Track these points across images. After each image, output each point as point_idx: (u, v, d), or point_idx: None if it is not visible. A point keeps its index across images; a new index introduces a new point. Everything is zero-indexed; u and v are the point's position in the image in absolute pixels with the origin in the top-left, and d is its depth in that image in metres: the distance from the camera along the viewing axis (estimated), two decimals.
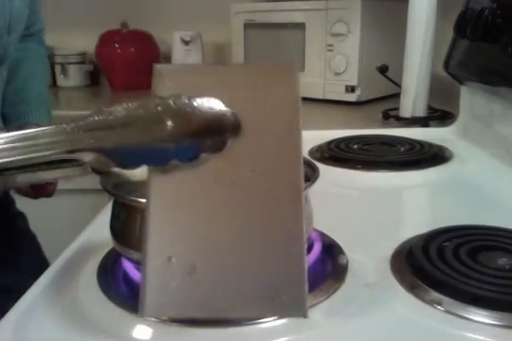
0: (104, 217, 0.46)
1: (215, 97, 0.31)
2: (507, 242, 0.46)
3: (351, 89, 1.20)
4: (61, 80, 1.63)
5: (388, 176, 0.72)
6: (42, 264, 0.65)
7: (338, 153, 0.77)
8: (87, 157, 0.30)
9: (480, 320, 0.37)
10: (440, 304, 0.39)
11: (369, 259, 0.46)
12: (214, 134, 0.30)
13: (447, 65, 0.89)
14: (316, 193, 0.40)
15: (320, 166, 0.44)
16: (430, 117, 1.02)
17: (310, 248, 0.44)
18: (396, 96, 1.07)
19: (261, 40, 1.33)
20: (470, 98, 0.88)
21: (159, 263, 0.29)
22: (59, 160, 0.31)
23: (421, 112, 1.01)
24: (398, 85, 1.05)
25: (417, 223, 0.60)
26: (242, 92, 0.32)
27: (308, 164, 0.43)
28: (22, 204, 0.83)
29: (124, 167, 0.31)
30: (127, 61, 1.51)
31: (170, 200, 0.31)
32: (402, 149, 0.79)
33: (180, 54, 1.51)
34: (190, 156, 0.30)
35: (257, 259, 0.30)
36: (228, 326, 0.35)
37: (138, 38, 1.53)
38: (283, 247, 0.30)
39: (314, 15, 1.21)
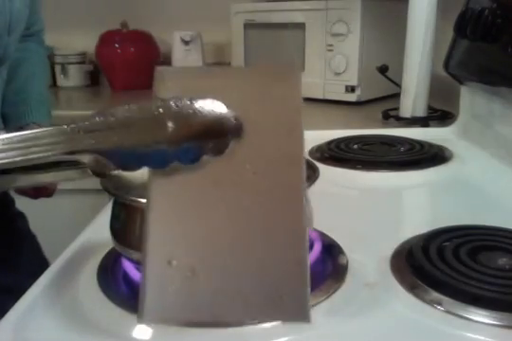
0: (104, 217, 0.46)
1: (217, 99, 0.31)
2: (507, 242, 0.46)
3: (351, 89, 1.20)
4: (61, 80, 1.63)
5: (388, 176, 0.72)
6: (42, 264, 0.65)
7: (338, 153, 0.77)
8: (87, 159, 0.29)
9: (480, 320, 0.37)
10: (440, 304, 0.39)
11: (369, 259, 0.46)
12: (216, 136, 0.30)
13: (447, 65, 0.89)
14: (316, 193, 0.40)
15: (320, 166, 0.44)
16: (430, 117, 1.02)
17: (310, 248, 0.44)
18: (396, 96, 1.07)
19: (261, 40, 1.33)
20: (470, 98, 0.88)
21: (159, 267, 0.29)
22: (59, 162, 0.30)
23: (421, 112, 1.01)
24: (398, 85, 1.05)
25: (417, 223, 0.60)
26: (243, 94, 0.32)
27: (308, 164, 0.43)
28: (22, 204, 0.83)
29: (125, 168, 0.31)
30: (127, 61, 1.51)
31: (170, 202, 0.31)
32: (402, 149, 0.79)
33: (180, 54, 1.51)
34: (191, 158, 0.30)
35: (258, 261, 0.30)
36: (227, 326, 0.35)
37: (138, 38, 1.53)
38: (285, 250, 0.30)
39: (314, 15, 1.21)
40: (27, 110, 0.77)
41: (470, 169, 0.74)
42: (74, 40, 1.63)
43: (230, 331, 0.35)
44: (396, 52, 1.05)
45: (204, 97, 0.30)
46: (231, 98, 0.31)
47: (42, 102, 0.80)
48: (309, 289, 0.29)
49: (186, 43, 1.50)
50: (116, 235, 0.42)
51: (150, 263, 0.29)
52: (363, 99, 1.22)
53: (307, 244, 0.30)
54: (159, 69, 0.33)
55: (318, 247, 0.45)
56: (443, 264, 0.42)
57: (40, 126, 0.74)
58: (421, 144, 0.80)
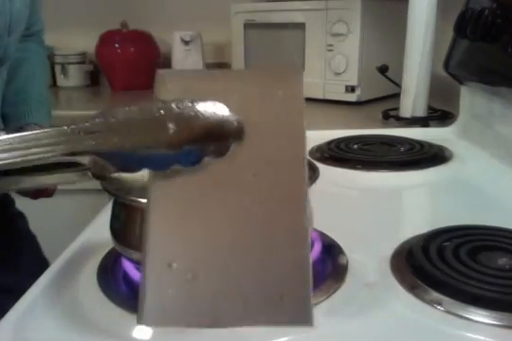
0: (104, 217, 0.46)
1: (218, 101, 0.30)
2: (507, 242, 0.46)
3: (351, 89, 1.20)
4: (61, 80, 1.63)
5: (388, 176, 0.72)
6: (42, 264, 0.65)
7: (338, 153, 0.77)
8: (87, 160, 0.29)
9: (480, 320, 0.37)
10: (440, 304, 0.39)
11: (369, 259, 0.46)
12: (217, 139, 0.30)
13: (447, 65, 0.89)
14: (316, 193, 0.40)
15: (320, 166, 0.44)
16: (430, 117, 1.02)
17: (310, 248, 0.44)
18: (396, 96, 1.07)
19: (261, 40, 1.33)
20: (470, 98, 0.88)
21: (159, 270, 0.29)
22: (60, 165, 0.30)
23: (421, 112, 1.01)
24: (398, 85, 1.05)
25: (417, 223, 0.60)
26: (245, 96, 0.32)
27: (308, 164, 0.43)
28: (22, 204, 0.83)
29: (125, 170, 0.31)
30: (127, 61, 1.51)
31: (171, 205, 0.31)
32: (402, 149, 0.79)
33: (180, 54, 1.51)
34: (192, 161, 0.30)
35: (259, 263, 0.30)
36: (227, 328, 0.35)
37: (138, 38, 1.53)
38: (287, 250, 0.30)
39: (314, 15, 1.21)
40: (27, 110, 0.77)
41: (470, 169, 0.74)
42: (74, 40, 1.63)
43: (230, 331, 0.35)
44: (396, 52, 1.05)
45: (205, 99, 0.30)
46: (233, 100, 0.31)
47: (42, 102, 0.80)
48: (311, 291, 0.29)
49: (186, 43, 1.50)
50: (116, 235, 0.42)
51: (150, 265, 0.29)
52: (363, 99, 1.22)
53: (309, 245, 0.30)
54: (160, 72, 0.32)
55: (318, 247, 0.45)
56: (443, 264, 0.42)
57: (40, 126, 0.75)
58: (421, 144, 0.80)
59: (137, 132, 0.29)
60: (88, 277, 0.44)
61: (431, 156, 0.76)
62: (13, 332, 0.37)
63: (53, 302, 0.41)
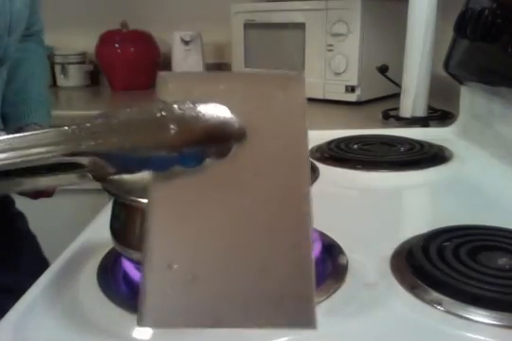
0: (104, 217, 0.46)
1: (220, 103, 0.30)
2: (507, 242, 0.46)
3: (351, 89, 1.20)
4: (61, 80, 1.63)
5: (388, 176, 0.72)
6: (42, 264, 0.65)
7: (338, 153, 0.77)
8: (87, 161, 0.29)
9: (480, 320, 0.37)
10: (440, 304, 0.39)
11: (369, 259, 0.46)
12: (219, 140, 0.30)
13: (447, 65, 0.89)
14: (316, 193, 0.40)
15: (320, 166, 0.44)
16: (430, 117, 1.02)
17: None
18: (396, 96, 1.07)
19: (261, 40, 1.33)
20: (470, 98, 0.88)
21: (159, 271, 0.29)
22: (60, 166, 0.30)
23: (421, 112, 1.01)
24: (398, 85, 1.05)
25: (417, 223, 0.60)
26: (247, 98, 0.32)
27: None
28: (22, 204, 0.83)
29: (125, 171, 0.31)
30: (127, 61, 1.51)
31: (172, 205, 0.31)
32: (402, 149, 0.79)
33: (180, 54, 1.51)
34: (193, 162, 0.30)
35: (261, 264, 0.29)
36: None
37: (138, 38, 1.53)
38: (289, 252, 0.30)
39: (314, 15, 1.21)
40: (27, 110, 0.77)
41: (470, 169, 0.74)
42: (74, 40, 1.63)
43: (230, 331, 0.35)
44: (396, 52, 1.05)
45: (207, 101, 0.30)
46: (234, 101, 0.31)
47: (41, 102, 0.80)
48: (314, 292, 0.29)
49: (186, 43, 1.50)
50: (116, 235, 0.42)
51: (150, 267, 0.29)
52: (363, 99, 1.22)
53: (311, 245, 0.30)
54: (162, 74, 0.32)
55: (318, 247, 0.45)
56: (443, 264, 0.42)
57: (40, 127, 0.75)
58: (421, 144, 0.80)
59: (138, 132, 0.29)
60: (88, 277, 0.44)
61: (431, 156, 0.76)
62: (13, 331, 0.37)
63: (53, 302, 0.41)
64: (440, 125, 0.99)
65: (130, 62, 1.51)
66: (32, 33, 0.84)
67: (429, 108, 1.03)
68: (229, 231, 0.30)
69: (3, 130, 0.74)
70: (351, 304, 0.39)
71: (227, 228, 0.30)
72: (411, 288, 0.41)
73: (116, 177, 0.32)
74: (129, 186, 0.37)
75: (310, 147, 0.81)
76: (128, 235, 0.40)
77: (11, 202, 0.82)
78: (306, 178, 0.31)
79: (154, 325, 0.30)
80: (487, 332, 0.36)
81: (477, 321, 0.37)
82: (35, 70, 0.83)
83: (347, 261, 0.45)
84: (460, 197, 0.64)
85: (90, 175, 0.31)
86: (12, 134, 0.28)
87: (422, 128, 0.99)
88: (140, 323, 0.28)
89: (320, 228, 0.48)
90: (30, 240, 0.85)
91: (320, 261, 0.45)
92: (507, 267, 0.42)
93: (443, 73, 0.92)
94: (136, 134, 0.29)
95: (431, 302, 0.39)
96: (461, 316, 0.37)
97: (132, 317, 0.37)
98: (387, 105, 1.11)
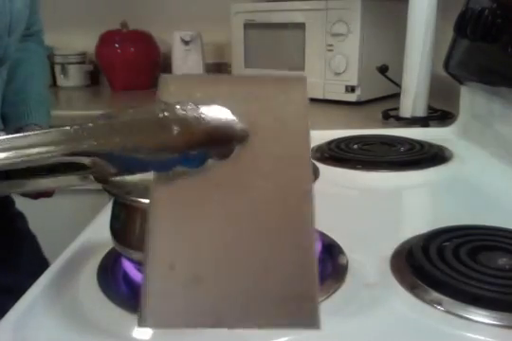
0: (104, 217, 0.46)
1: (222, 104, 0.30)
2: (507, 242, 0.46)
3: (351, 89, 1.20)
4: (61, 80, 1.63)
5: (388, 176, 0.72)
6: (42, 264, 0.65)
7: (338, 153, 0.77)
8: (89, 162, 0.29)
9: (480, 320, 0.37)
10: (440, 304, 0.39)
11: (369, 259, 0.46)
12: (221, 141, 0.30)
13: (447, 65, 0.89)
14: (316, 193, 0.40)
15: (320, 166, 0.44)
16: (430, 117, 1.02)
17: None
18: (396, 96, 1.07)
19: (261, 40, 1.33)
20: (470, 98, 0.88)
21: (161, 272, 0.29)
22: (61, 168, 0.30)
23: (421, 112, 1.01)
24: (398, 85, 1.05)
25: (417, 223, 0.60)
26: (248, 99, 0.32)
27: None
28: (22, 204, 0.83)
29: (126, 172, 0.31)
30: (127, 61, 1.51)
31: (174, 206, 0.31)
32: (402, 149, 0.79)
33: (180, 54, 1.51)
34: (195, 163, 0.30)
35: (264, 265, 0.29)
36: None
37: (138, 38, 1.53)
38: (292, 252, 0.30)
39: (314, 15, 1.21)
40: (27, 110, 0.77)
41: (470, 168, 0.74)
42: (74, 40, 1.63)
43: (230, 331, 0.35)
44: (396, 52, 1.05)
45: (209, 103, 0.30)
46: (236, 104, 0.31)
47: (41, 102, 0.80)
48: (318, 292, 0.29)
49: (186, 43, 1.50)
50: (116, 235, 0.42)
51: (152, 267, 0.29)
52: (363, 99, 1.22)
53: (314, 245, 0.30)
54: (163, 76, 0.32)
55: (318, 247, 0.45)
56: (443, 264, 0.42)
57: (40, 127, 0.75)
58: (421, 144, 0.80)
59: (141, 132, 0.29)
60: (88, 277, 0.44)
61: (431, 156, 0.76)
62: (13, 331, 0.37)
63: (53, 302, 0.41)
64: (440, 125, 0.99)
65: (130, 62, 1.51)
66: (32, 33, 0.84)
67: (429, 108, 1.03)
68: (231, 232, 0.30)
69: (2, 130, 0.74)
70: (351, 304, 0.39)
71: (228, 229, 0.30)
72: (411, 288, 0.41)
73: (117, 178, 0.32)
74: (130, 187, 0.37)
75: (310, 147, 0.81)
76: (128, 235, 0.40)
77: (11, 202, 0.82)
78: (308, 178, 0.31)
79: (155, 325, 0.30)
80: (487, 332, 0.36)
81: (477, 321, 0.37)
82: (35, 70, 0.83)
83: (347, 261, 0.45)
84: (460, 197, 0.64)
85: (92, 177, 0.31)
86: (12, 134, 0.28)
87: (422, 128, 0.99)
88: (141, 324, 0.28)
89: (320, 228, 0.48)
90: (30, 240, 0.85)
91: (320, 261, 0.45)
92: (507, 267, 0.42)
93: (443, 73, 0.92)
94: (138, 134, 0.29)
95: (431, 302, 0.39)
96: (461, 316, 0.37)
97: (132, 317, 0.37)
98: (387, 105, 1.11)
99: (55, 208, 1.07)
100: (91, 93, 1.63)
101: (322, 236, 0.48)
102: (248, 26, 1.34)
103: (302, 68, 1.26)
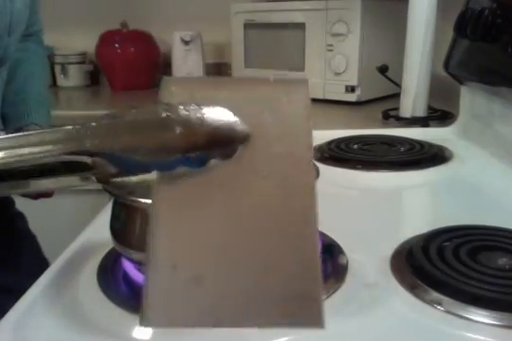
0: (104, 217, 0.46)
1: (223, 106, 0.31)
2: (507, 242, 0.46)
3: (351, 89, 1.20)
4: (61, 80, 1.63)
5: (388, 176, 0.72)
6: (42, 264, 0.65)
7: (338, 153, 0.77)
8: (91, 161, 0.29)
9: (480, 320, 0.37)
10: (440, 304, 0.39)
11: (369, 259, 0.46)
12: (223, 142, 0.30)
13: (447, 65, 0.89)
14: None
15: (320, 166, 0.44)
16: (430, 117, 1.02)
17: None
18: (396, 96, 1.07)
19: (261, 40, 1.33)
20: (470, 98, 0.88)
21: (163, 271, 0.29)
22: (62, 168, 0.30)
23: (421, 112, 1.01)
24: (398, 85, 1.05)
25: (417, 223, 0.60)
26: (251, 101, 0.32)
27: None
28: (22, 204, 0.83)
29: (128, 173, 0.31)
30: (127, 61, 1.51)
31: (176, 206, 0.31)
32: (402, 149, 0.79)
33: (180, 54, 1.51)
34: (198, 163, 0.30)
35: (266, 265, 0.29)
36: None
37: (138, 38, 1.53)
38: (295, 252, 0.30)
39: (314, 15, 1.21)
40: (27, 110, 0.77)
41: (470, 168, 0.74)
42: (74, 40, 1.63)
43: (230, 331, 0.35)
44: (396, 52, 1.05)
45: (211, 104, 0.30)
46: (238, 105, 0.31)
47: (41, 102, 0.80)
48: (322, 291, 0.29)
49: (186, 43, 1.50)
50: (116, 235, 0.42)
51: (154, 267, 0.29)
52: (363, 99, 1.22)
53: (317, 244, 0.30)
54: (165, 78, 0.33)
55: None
56: (443, 264, 0.42)
57: (40, 127, 0.75)
58: (421, 144, 0.80)
59: (143, 132, 0.29)
60: (88, 277, 0.44)
61: (431, 156, 0.76)
62: (13, 331, 0.37)
63: (53, 302, 0.41)
64: (440, 125, 0.99)
65: (130, 62, 1.51)
66: (32, 33, 0.84)
67: (429, 108, 1.03)
68: (233, 231, 0.30)
69: (2, 130, 0.74)
70: (351, 304, 0.39)
71: (231, 229, 0.30)
72: (411, 288, 0.41)
73: (118, 180, 0.32)
74: (131, 187, 0.37)
75: None
76: (128, 235, 0.40)
77: (11, 202, 0.82)
78: (311, 178, 0.31)
79: (156, 325, 0.30)
80: (487, 331, 0.36)
81: (477, 321, 0.37)
82: (35, 70, 0.83)
83: (347, 261, 0.45)
84: (460, 197, 0.64)
85: (94, 178, 0.31)
86: (12, 133, 0.28)
87: (422, 128, 0.99)
88: (143, 323, 0.28)
89: (320, 228, 0.47)
90: (30, 240, 0.85)
91: (321, 261, 0.45)
92: (507, 267, 0.42)
93: (443, 73, 0.92)
94: (140, 134, 0.29)
95: (431, 302, 0.39)
96: (461, 316, 0.37)
97: (132, 317, 0.37)
98: (387, 105, 1.11)
99: (55, 208, 1.07)
100: (91, 93, 1.63)
101: (322, 236, 0.48)
102: (248, 26, 1.34)
103: (302, 68, 1.26)
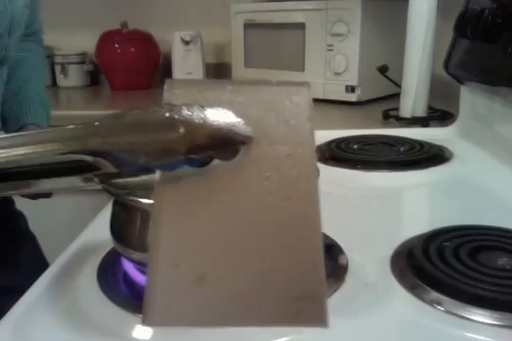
0: (104, 217, 0.46)
1: (226, 108, 0.31)
2: (507, 242, 0.46)
3: (351, 89, 1.20)
4: (61, 80, 1.63)
5: (388, 176, 0.72)
6: (42, 264, 0.65)
7: (339, 153, 0.77)
8: (93, 160, 0.29)
9: (480, 320, 0.37)
10: (440, 304, 0.39)
11: (369, 259, 0.46)
12: (226, 143, 0.30)
13: (447, 65, 0.89)
14: None
15: (320, 166, 0.44)
16: (430, 117, 1.02)
17: None
18: (396, 96, 1.07)
19: (261, 40, 1.33)
20: (470, 98, 0.88)
21: (166, 271, 0.29)
22: (63, 168, 0.30)
23: (421, 112, 1.01)
24: (398, 85, 1.05)
25: (417, 223, 0.60)
26: (253, 103, 0.32)
27: None
28: (22, 204, 0.83)
29: (131, 172, 0.31)
30: (127, 61, 1.51)
31: (178, 205, 0.31)
32: (402, 149, 0.79)
33: (180, 54, 1.51)
34: (200, 163, 0.30)
35: (271, 264, 0.29)
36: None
37: (138, 38, 1.53)
38: (298, 252, 0.30)
39: (314, 15, 1.21)
40: (26, 110, 0.77)
41: (470, 169, 0.74)
42: (74, 40, 1.63)
43: (230, 330, 0.35)
44: (396, 52, 1.05)
45: (213, 105, 0.30)
46: (241, 107, 0.31)
47: (41, 103, 0.80)
48: (326, 291, 0.29)
49: (186, 43, 1.50)
50: (116, 235, 0.42)
51: (156, 266, 0.29)
52: (363, 99, 1.22)
53: (321, 244, 0.30)
54: (169, 80, 0.33)
55: None
56: (443, 264, 0.42)
57: (39, 127, 0.74)
58: (421, 144, 0.80)
59: (146, 132, 0.29)
60: (88, 277, 0.44)
61: (431, 156, 0.76)
62: (13, 331, 0.37)
63: (53, 302, 0.41)
64: (440, 125, 0.99)
65: (130, 62, 1.51)
66: (32, 33, 0.84)
67: (429, 108, 1.03)
68: (236, 231, 0.30)
69: (1, 130, 0.74)
70: (351, 304, 0.39)
71: (233, 228, 0.30)
72: (411, 288, 0.41)
73: (119, 181, 0.32)
74: (131, 187, 0.37)
75: None
76: (128, 235, 0.40)
77: (11, 202, 0.82)
78: (313, 179, 0.31)
79: (159, 324, 0.30)
80: (487, 331, 0.36)
81: (477, 321, 0.37)
82: (34, 70, 0.83)
83: (347, 261, 0.45)
84: (460, 197, 0.64)
85: (96, 179, 0.31)
86: (12, 133, 0.28)
87: (422, 128, 0.99)
88: (145, 322, 0.28)
89: None
90: (30, 240, 0.85)
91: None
92: (507, 267, 0.42)
93: (443, 73, 0.92)
94: (144, 133, 0.29)
95: (431, 302, 0.39)
96: (461, 316, 0.37)
97: (132, 317, 0.37)
98: (387, 105, 1.11)
99: (55, 208, 1.06)
100: (91, 93, 1.63)
101: (322, 236, 0.48)
102: (248, 26, 1.34)
103: (302, 68, 1.26)
